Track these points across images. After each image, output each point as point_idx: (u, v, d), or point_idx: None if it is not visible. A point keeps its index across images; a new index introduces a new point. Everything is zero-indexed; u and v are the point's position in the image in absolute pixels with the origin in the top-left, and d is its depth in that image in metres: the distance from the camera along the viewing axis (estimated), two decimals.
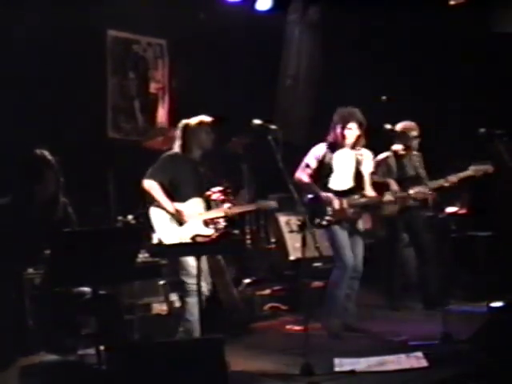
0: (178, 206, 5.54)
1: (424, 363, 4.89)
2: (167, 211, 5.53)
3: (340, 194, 6.14)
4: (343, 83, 8.86)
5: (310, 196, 5.81)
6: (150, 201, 5.58)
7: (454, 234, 7.05)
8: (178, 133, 5.77)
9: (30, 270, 4.37)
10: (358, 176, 6.26)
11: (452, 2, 9.05)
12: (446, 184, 6.63)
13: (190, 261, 5.33)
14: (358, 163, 6.27)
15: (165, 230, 5.50)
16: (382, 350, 5.26)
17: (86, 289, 4.52)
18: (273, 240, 7.99)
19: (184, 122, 5.80)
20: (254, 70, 8.74)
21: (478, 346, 4.95)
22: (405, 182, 6.79)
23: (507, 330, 4.85)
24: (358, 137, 6.20)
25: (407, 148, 7.02)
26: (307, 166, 6.22)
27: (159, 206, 5.54)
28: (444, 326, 5.39)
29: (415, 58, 9.06)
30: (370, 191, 6.29)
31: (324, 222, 5.95)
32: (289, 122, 8.95)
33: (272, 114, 8.71)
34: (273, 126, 5.56)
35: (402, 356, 5.06)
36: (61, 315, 4.48)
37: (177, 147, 5.75)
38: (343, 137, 6.18)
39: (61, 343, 4.48)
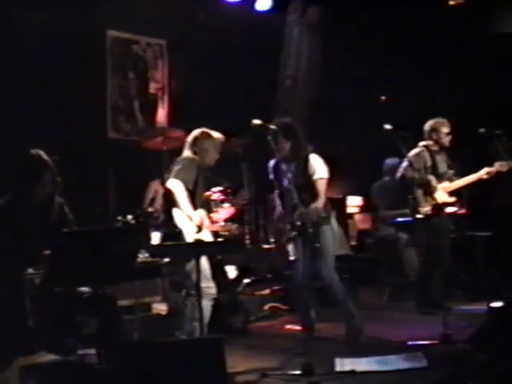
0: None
1: (424, 363, 4.90)
2: (187, 215, 5.44)
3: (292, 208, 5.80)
4: (343, 83, 8.87)
5: None
6: (171, 202, 5.48)
7: (454, 234, 7.04)
8: (195, 139, 5.66)
9: (30, 270, 4.37)
10: (306, 187, 5.84)
11: (452, 2, 9.05)
12: (486, 176, 6.72)
13: (205, 264, 5.33)
14: (307, 174, 5.88)
15: (189, 233, 5.42)
16: (382, 350, 5.26)
17: (86, 289, 4.52)
18: (272, 240, 7.99)
19: (203, 130, 5.70)
20: (253, 70, 8.74)
21: (477, 346, 4.94)
22: (439, 178, 6.78)
23: (507, 330, 4.85)
24: (293, 148, 5.85)
25: (439, 144, 6.91)
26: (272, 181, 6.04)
27: (179, 208, 5.44)
28: (444, 326, 5.39)
29: (415, 58, 9.06)
30: (321, 198, 5.84)
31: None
32: None
33: (272, 114, 8.71)
34: (273, 126, 5.56)
35: (402, 356, 5.06)
36: (61, 315, 4.48)
37: (191, 153, 5.66)
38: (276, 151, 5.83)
39: (61, 343, 4.48)
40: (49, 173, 4.66)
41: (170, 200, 5.50)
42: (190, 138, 5.73)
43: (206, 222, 5.56)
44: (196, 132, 5.72)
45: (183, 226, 5.44)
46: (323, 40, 9.53)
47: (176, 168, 5.54)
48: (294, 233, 5.78)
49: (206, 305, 5.28)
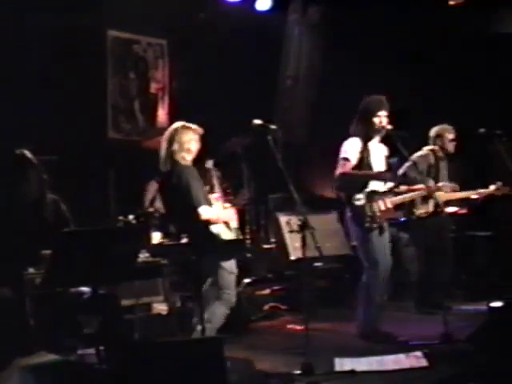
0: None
1: (424, 363, 4.90)
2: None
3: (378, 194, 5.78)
4: (343, 83, 8.86)
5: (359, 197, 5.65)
6: None
7: (454, 234, 7.03)
8: None
9: (30, 270, 4.37)
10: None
11: (452, 2, 9.05)
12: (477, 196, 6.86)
13: (231, 271, 5.32)
14: (385, 157, 5.97)
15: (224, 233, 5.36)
16: (382, 350, 5.26)
17: (86, 289, 4.52)
18: (272, 240, 7.99)
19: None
20: (253, 70, 8.74)
21: (477, 346, 4.95)
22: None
23: (507, 330, 4.85)
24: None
25: (444, 150, 6.94)
26: (347, 160, 5.75)
27: None
28: (444, 325, 5.39)
29: (415, 58, 9.06)
30: None
31: (375, 225, 5.56)
32: (289, 122, 8.95)
33: (272, 114, 8.71)
34: (273, 126, 5.56)
35: (402, 356, 5.06)
36: (61, 315, 4.48)
37: None
38: (381, 127, 5.78)
39: (61, 343, 4.48)
40: (34, 172, 4.66)
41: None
42: None
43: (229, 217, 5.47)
44: None
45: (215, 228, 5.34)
46: (323, 40, 9.53)
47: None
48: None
49: (225, 312, 5.28)
